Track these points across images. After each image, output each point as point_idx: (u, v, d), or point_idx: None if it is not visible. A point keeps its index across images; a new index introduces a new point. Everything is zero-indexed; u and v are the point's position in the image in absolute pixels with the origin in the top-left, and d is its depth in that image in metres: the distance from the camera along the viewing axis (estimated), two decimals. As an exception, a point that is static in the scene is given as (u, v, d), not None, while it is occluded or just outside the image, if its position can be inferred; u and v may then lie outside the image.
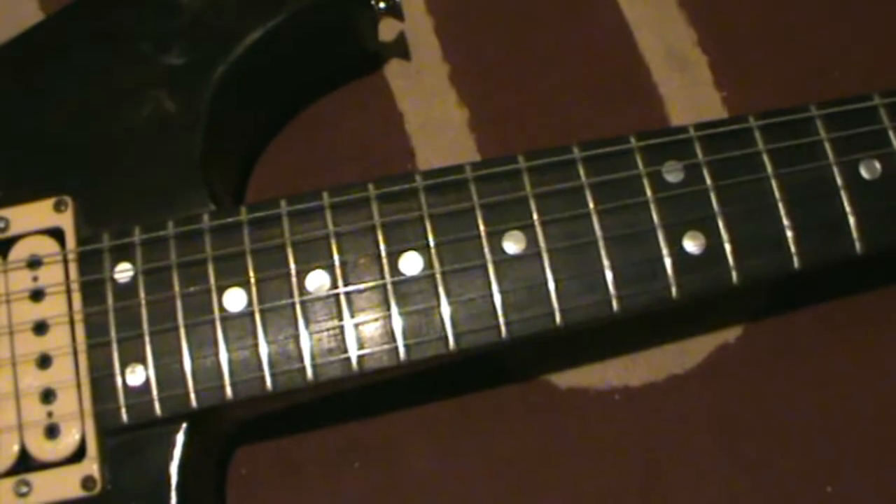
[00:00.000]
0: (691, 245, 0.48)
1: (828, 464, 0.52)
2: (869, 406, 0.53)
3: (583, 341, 0.53)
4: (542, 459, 0.52)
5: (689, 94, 0.57)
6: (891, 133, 0.51)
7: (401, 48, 0.58)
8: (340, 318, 0.47)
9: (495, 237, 0.48)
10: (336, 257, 0.48)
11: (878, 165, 0.50)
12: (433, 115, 0.56)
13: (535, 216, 0.48)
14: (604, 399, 0.53)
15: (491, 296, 0.47)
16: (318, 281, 0.48)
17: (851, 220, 0.49)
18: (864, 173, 0.50)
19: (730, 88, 0.57)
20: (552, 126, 0.55)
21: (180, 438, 0.47)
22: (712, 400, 0.53)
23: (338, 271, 0.47)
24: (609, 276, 0.47)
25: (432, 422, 0.53)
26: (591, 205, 0.48)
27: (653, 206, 0.48)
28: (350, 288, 0.47)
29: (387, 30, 0.57)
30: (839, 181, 0.49)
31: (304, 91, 0.57)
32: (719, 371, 0.53)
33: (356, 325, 0.47)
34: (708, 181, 0.49)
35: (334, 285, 0.47)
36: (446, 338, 0.47)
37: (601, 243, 0.48)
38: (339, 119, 0.56)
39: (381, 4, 0.54)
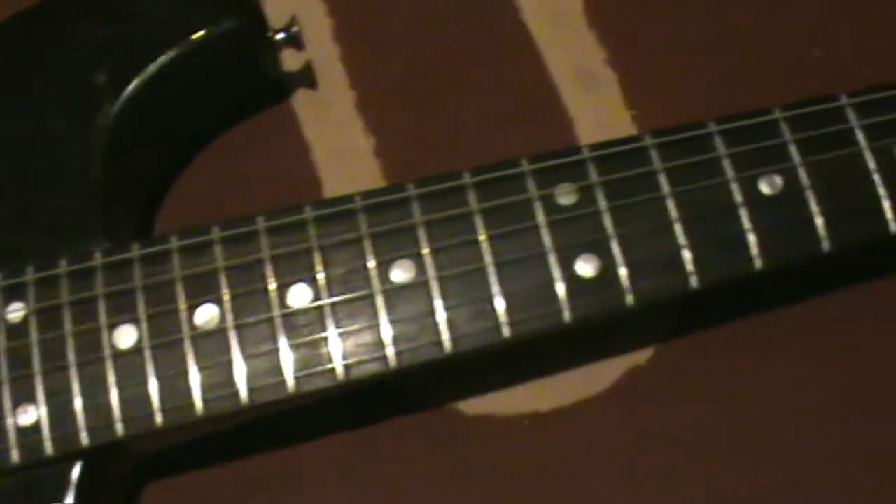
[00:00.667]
0: (584, 268, 0.47)
1: (742, 484, 0.51)
2: (783, 424, 0.52)
3: (490, 367, 0.53)
4: (451, 488, 0.51)
5: (599, 113, 0.56)
6: (792, 147, 0.50)
7: (307, 77, 0.58)
8: (228, 353, 0.46)
9: (383, 267, 0.48)
10: (226, 291, 0.47)
11: (778, 180, 0.50)
12: (339, 144, 0.56)
13: (424, 244, 0.48)
14: (512, 425, 0.52)
15: (378, 326, 0.47)
16: (207, 314, 0.47)
17: (751, 237, 0.48)
18: (765, 189, 0.49)
19: (640, 106, 0.57)
20: (460, 151, 0.55)
21: (74, 476, 0.47)
22: (624, 423, 0.52)
23: (227, 305, 0.47)
24: (499, 302, 0.47)
25: (340, 452, 0.52)
26: (482, 231, 0.48)
27: (544, 230, 0.48)
28: (239, 321, 0.47)
29: (294, 59, 0.57)
30: (738, 198, 0.49)
31: (209, 122, 0.56)
32: (630, 393, 0.53)
33: (245, 359, 0.46)
34: (602, 203, 0.48)
35: (223, 320, 0.47)
36: (334, 369, 0.47)
37: (491, 269, 0.47)
38: (246, 150, 0.56)
39: (280, 35, 0.55)
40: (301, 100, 0.58)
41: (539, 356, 0.53)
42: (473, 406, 0.53)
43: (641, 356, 0.53)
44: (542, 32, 0.58)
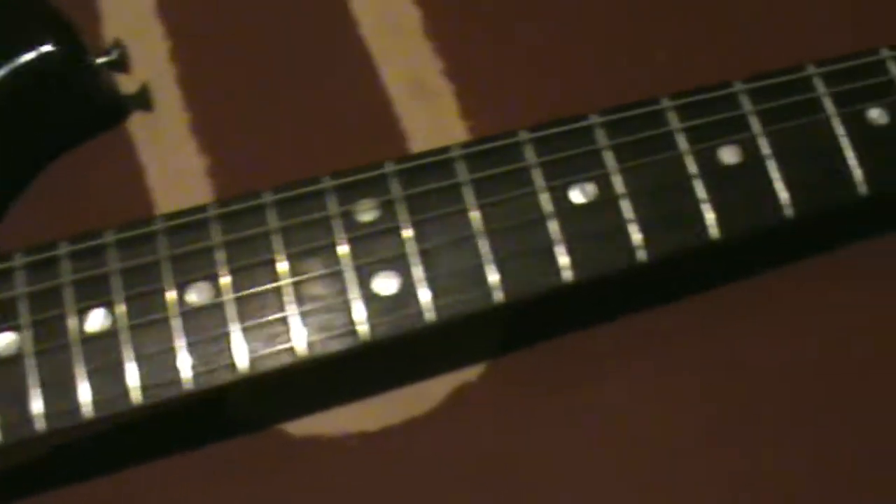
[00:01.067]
0: (383, 286, 0.46)
1: (586, 496, 0.50)
2: (619, 435, 0.51)
3: (317, 386, 0.52)
4: (279, 511, 0.51)
5: (434, 126, 0.56)
6: (608, 154, 0.49)
7: (143, 99, 0.58)
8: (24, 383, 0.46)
9: (181, 289, 0.47)
10: (25, 318, 0.47)
11: (591, 189, 0.49)
12: (173, 166, 0.55)
13: (222, 265, 0.47)
14: (340, 446, 0.51)
15: (174, 349, 0.46)
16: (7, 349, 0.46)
17: (559, 248, 0.47)
18: (576, 198, 0.48)
19: (476, 117, 0.56)
20: (294, 169, 0.53)
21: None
22: (453, 440, 0.51)
23: (27, 332, 0.47)
24: (294, 322, 0.46)
25: (168, 477, 0.51)
26: (279, 250, 0.47)
27: (343, 248, 0.47)
28: (39, 347, 0.46)
29: (130, 81, 0.57)
30: (547, 208, 0.48)
31: (42, 145, 0.56)
32: (461, 410, 0.51)
33: (41, 387, 0.45)
34: (403, 218, 0.47)
35: (20, 349, 0.46)
36: (128, 393, 0.46)
37: (288, 289, 0.47)
38: (81, 174, 0.56)
39: (101, 59, 0.54)
40: (137, 122, 0.57)
41: (367, 374, 0.52)
42: (300, 427, 0.52)
43: (472, 372, 0.52)
44: (379, 44, 0.57)
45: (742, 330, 0.53)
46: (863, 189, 0.50)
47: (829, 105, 0.51)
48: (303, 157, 0.55)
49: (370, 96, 0.56)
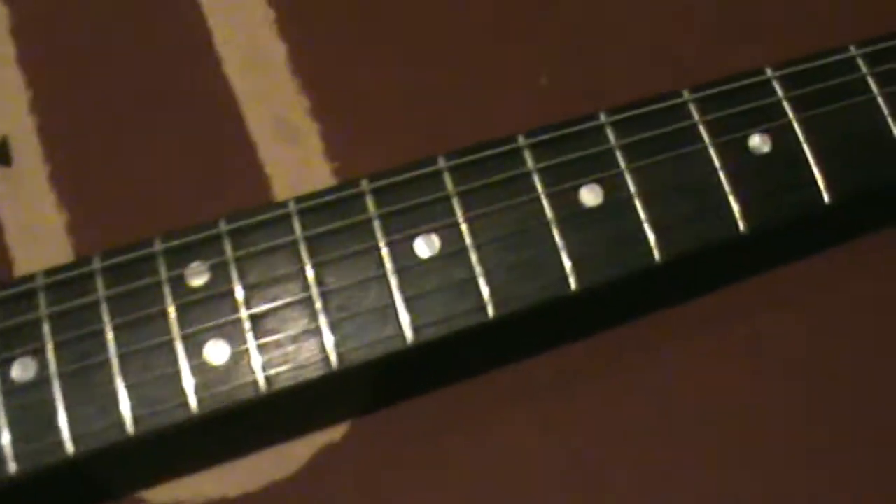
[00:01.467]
0: (213, 354, 0.44)
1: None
2: (494, 488, 0.48)
3: (178, 451, 0.49)
4: (138, 583, 0.49)
5: (298, 168, 0.53)
6: (456, 201, 0.46)
7: (2, 153, 0.56)
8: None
9: (6, 365, 0.44)
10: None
11: (435, 240, 0.45)
12: (31, 221, 0.53)
13: (47, 339, 0.44)
14: (200, 513, 0.49)
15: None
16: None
17: (400, 305, 0.44)
18: (421, 251, 0.45)
19: (342, 158, 0.53)
20: (152, 221, 0.51)
21: None
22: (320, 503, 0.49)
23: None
24: (122, 396, 0.43)
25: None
26: (107, 320, 0.44)
27: (171, 316, 0.44)
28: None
29: (-10, 135, 0.55)
30: (389, 265, 0.45)
31: None
32: (325, 472, 0.49)
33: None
34: (234, 281, 0.45)
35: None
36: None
37: (115, 363, 0.44)
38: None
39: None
40: (-4, 176, 0.56)
41: (229, 437, 0.50)
42: (160, 494, 0.49)
43: (336, 432, 0.50)
44: (244, 83, 0.54)
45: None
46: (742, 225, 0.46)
47: (705, 135, 0.48)
48: (165, 208, 0.53)
49: (235, 139, 0.53)
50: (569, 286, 0.45)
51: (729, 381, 0.50)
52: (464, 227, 0.45)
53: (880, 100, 0.48)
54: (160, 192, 0.53)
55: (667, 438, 0.48)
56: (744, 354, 0.50)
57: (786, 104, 0.48)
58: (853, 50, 0.49)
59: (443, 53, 0.54)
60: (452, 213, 0.45)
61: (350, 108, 0.54)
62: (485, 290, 0.44)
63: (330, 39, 0.55)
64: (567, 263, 0.45)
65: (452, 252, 0.45)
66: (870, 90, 0.48)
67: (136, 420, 0.44)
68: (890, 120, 0.48)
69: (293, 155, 0.53)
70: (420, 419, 0.49)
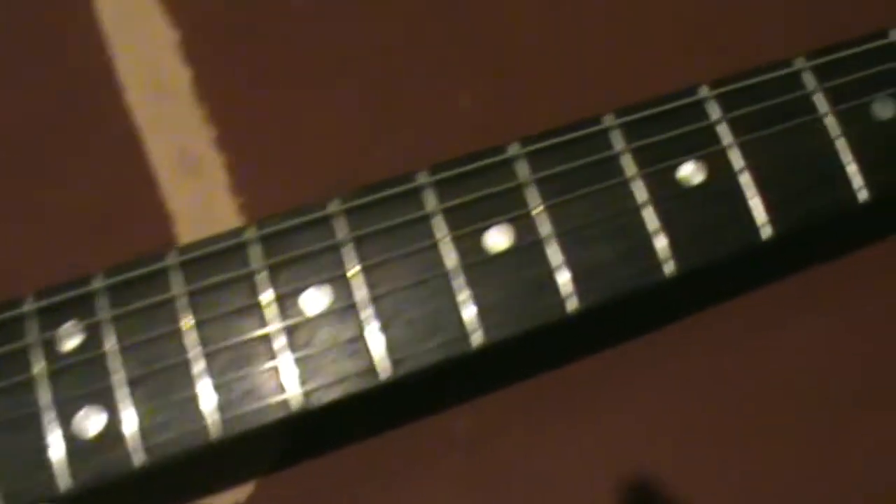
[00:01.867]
0: (85, 425, 0.40)
1: None
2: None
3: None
4: None
5: (203, 204, 0.49)
6: (348, 248, 0.41)
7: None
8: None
9: None
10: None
11: (326, 293, 0.41)
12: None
13: None
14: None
15: None
16: None
17: (288, 371, 0.40)
18: (310, 308, 0.41)
19: (249, 192, 0.49)
20: (43, 266, 0.48)
21: None
22: (223, 571, 0.46)
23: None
24: (-20, 474, 0.41)
25: None
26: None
27: (41, 384, 0.41)
28: None
29: None
30: (275, 324, 0.41)
31: None
32: (229, 536, 0.46)
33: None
34: (109, 343, 0.41)
35: None
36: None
37: (-23, 438, 0.41)
38: None
39: None
40: None
41: (132, 497, 0.47)
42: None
43: (241, 493, 0.46)
44: (146, 112, 0.50)
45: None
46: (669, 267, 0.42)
47: (631, 165, 0.43)
48: (61, 252, 0.49)
49: (136, 174, 0.49)
50: (469, 344, 0.41)
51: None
52: (357, 279, 0.42)
53: (829, 119, 0.44)
54: (58, 234, 0.50)
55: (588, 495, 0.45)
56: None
57: (721, 127, 0.44)
58: (799, 63, 0.45)
59: (356, 79, 0.50)
60: (341, 264, 0.41)
61: (255, 139, 0.49)
62: (378, 349, 0.41)
63: (236, 62, 0.51)
64: (468, 317, 0.41)
65: (343, 307, 0.41)
66: (815, 109, 0.44)
67: (4, 499, 0.41)
68: (836, 144, 0.43)
69: (196, 191, 0.49)
70: (331, 476, 0.46)
